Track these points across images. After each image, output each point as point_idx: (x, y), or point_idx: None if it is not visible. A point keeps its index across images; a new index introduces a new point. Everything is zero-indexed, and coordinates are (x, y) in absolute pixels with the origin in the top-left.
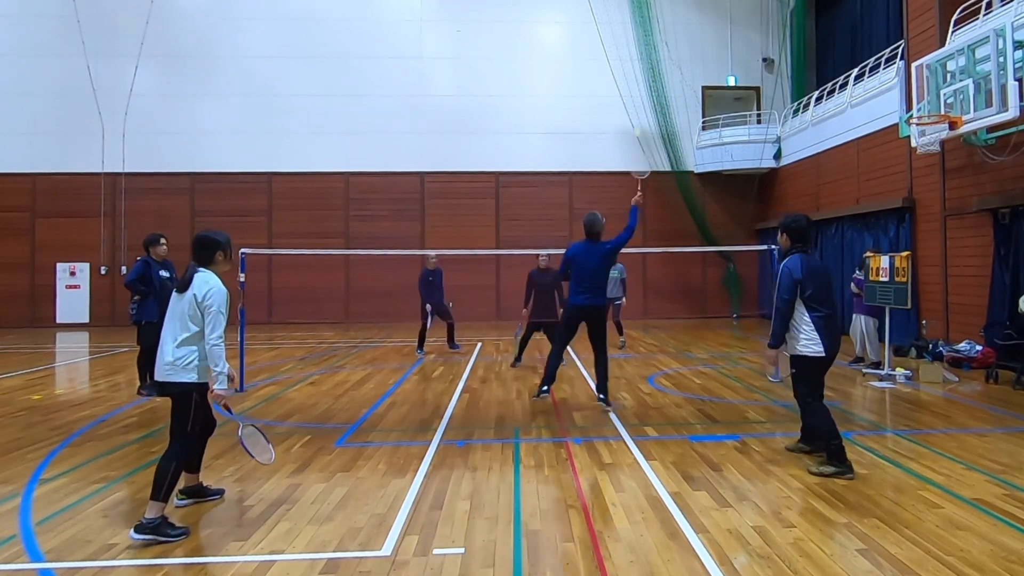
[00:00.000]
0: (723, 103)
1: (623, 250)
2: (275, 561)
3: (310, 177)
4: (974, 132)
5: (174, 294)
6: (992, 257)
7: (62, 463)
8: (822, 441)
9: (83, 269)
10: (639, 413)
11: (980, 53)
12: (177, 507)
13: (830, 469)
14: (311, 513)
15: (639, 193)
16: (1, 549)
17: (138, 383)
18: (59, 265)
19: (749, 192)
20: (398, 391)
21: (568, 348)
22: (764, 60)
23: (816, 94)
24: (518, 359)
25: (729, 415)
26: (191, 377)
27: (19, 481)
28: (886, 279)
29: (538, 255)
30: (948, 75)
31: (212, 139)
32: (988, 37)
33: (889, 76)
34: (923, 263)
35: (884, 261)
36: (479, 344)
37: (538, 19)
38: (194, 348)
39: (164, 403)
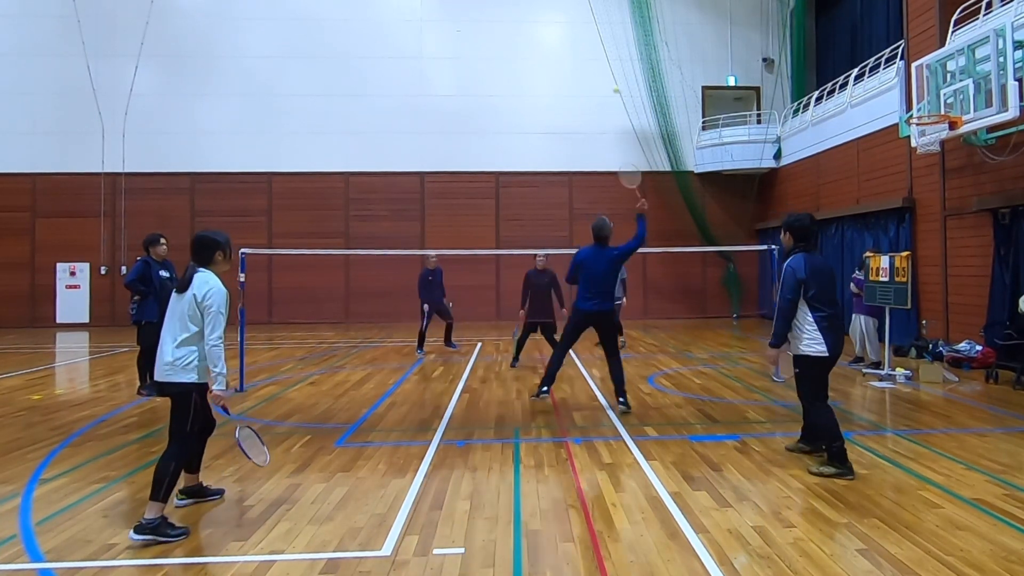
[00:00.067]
0: (723, 103)
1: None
2: (275, 561)
3: (310, 177)
4: (974, 132)
5: (174, 294)
6: (992, 257)
7: (62, 463)
8: (824, 441)
9: (83, 269)
10: (639, 413)
11: (980, 53)
12: (177, 507)
13: (830, 470)
14: (311, 513)
15: (641, 200)
16: (1, 549)
17: (138, 383)
18: (59, 265)
19: (749, 192)
20: (398, 391)
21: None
22: (764, 60)
23: (816, 94)
24: (516, 359)
25: (729, 415)
26: (191, 377)
27: (19, 481)
28: (886, 279)
29: (535, 255)
30: (948, 75)
31: (212, 139)
32: (988, 37)
33: (889, 76)
34: (923, 263)
35: (884, 261)
36: (479, 344)
37: (538, 19)
38: (194, 348)
39: (164, 403)
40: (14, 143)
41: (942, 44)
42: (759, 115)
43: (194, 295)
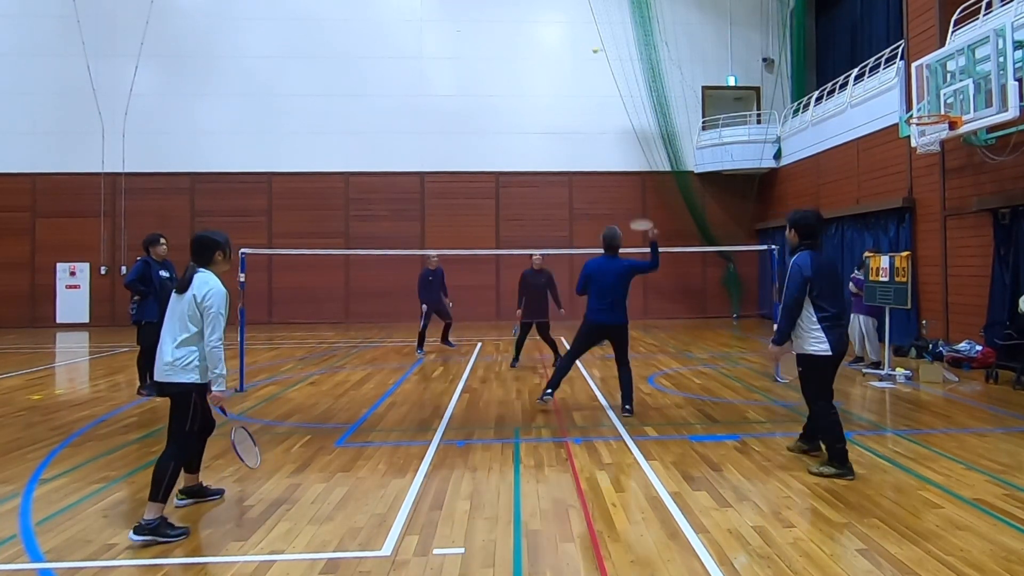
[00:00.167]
0: (723, 103)
1: (625, 249)
2: (275, 561)
3: (310, 177)
4: (974, 132)
5: (174, 295)
6: (992, 257)
7: (62, 463)
8: (826, 442)
9: (83, 269)
10: (639, 413)
11: (980, 53)
12: (177, 507)
13: (830, 470)
14: (311, 513)
15: (653, 230)
16: (1, 549)
17: (138, 383)
18: (59, 265)
19: (749, 192)
20: (398, 391)
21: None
22: (764, 60)
23: (816, 94)
24: (516, 359)
25: (729, 415)
26: (190, 377)
27: (19, 481)
28: (886, 279)
29: (531, 255)
30: (948, 75)
31: (212, 139)
32: (988, 37)
33: (889, 76)
34: (923, 263)
35: (884, 261)
36: (479, 344)
37: (538, 19)
38: (193, 348)
39: (164, 403)
40: (14, 143)
41: (942, 44)
42: (759, 115)
43: (194, 296)
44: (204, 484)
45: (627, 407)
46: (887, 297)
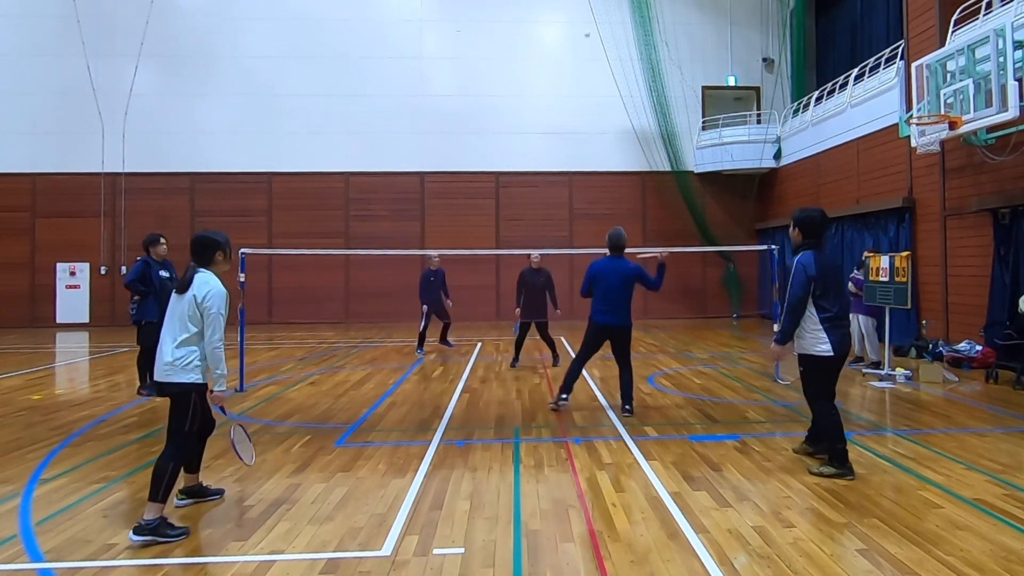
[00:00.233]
0: (723, 103)
1: (627, 250)
2: (275, 561)
3: (310, 177)
4: (974, 132)
5: (174, 295)
6: (992, 257)
7: (62, 463)
8: (827, 442)
9: (83, 269)
10: (639, 413)
11: (980, 53)
12: (177, 507)
13: (830, 471)
14: (311, 513)
15: (662, 255)
16: (1, 549)
17: (138, 383)
18: (59, 265)
19: (749, 192)
20: (398, 391)
21: (568, 348)
22: (764, 60)
23: (816, 94)
24: (516, 359)
25: (729, 415)
26: (190, 377)
27: (19, 481)
28: (886, 279)
29: (529, 255)
30: (948, 75)
31: (212, 139)
32: (988, 37)
33: (889, 76)
34: (923, 263)
35: (884, 261)
36: (479, 344)
37: (538, 19)
38: (193, 349)
39: (164, 403)
40: (14, 143)
41: (942, 44)
42: (759, 115)
43: (194, 296)
44: (204, 484)
45: (627, 407)
46: (887, 297)
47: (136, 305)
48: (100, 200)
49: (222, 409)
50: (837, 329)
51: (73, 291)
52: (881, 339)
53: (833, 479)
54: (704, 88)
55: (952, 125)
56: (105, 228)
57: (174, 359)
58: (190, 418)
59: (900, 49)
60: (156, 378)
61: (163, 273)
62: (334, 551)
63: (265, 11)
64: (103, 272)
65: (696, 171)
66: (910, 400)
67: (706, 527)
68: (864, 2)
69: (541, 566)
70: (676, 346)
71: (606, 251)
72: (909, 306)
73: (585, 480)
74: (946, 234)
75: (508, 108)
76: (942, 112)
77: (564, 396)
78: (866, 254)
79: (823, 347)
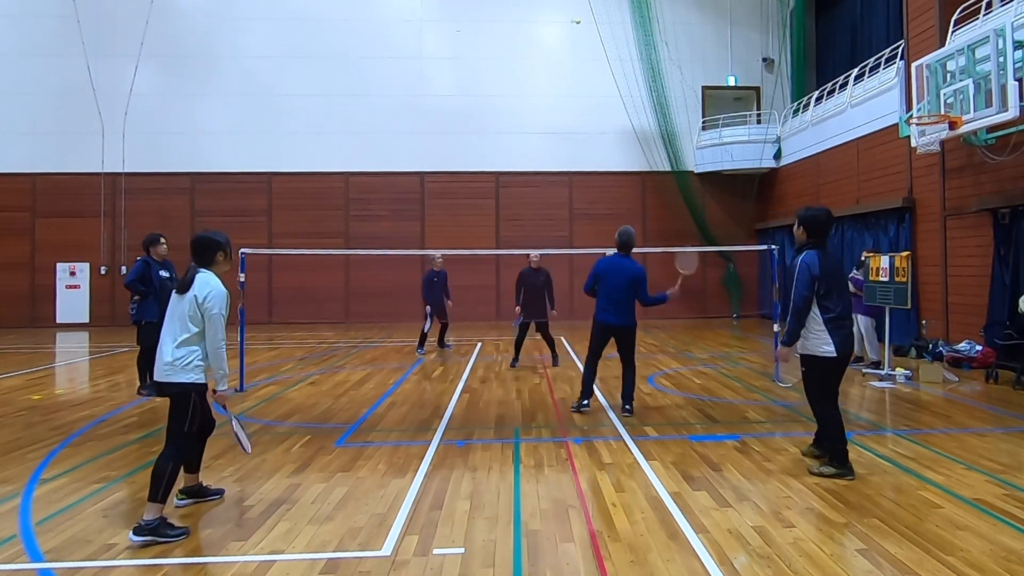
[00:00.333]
0: (723, 103)
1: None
2: (275, 561)
3: (310, 177)
4: (974, 132)
5: (174, 295)
6: (992, 257)
7: (62, 463)
8: (828, 442)
9: (83, 269)
10: (639, 413)
11: (980, 53)
12: (177, 507)
13: (830, 471)
14: (311, 513)
15: (678, 285)
16: (1, 549)
17: (138, 383)
18: (59, 265)
19: (749, 192)
20: (398, 391)
21: (568, 348)
22: (764, 60)
23: (816, 94)
24: (516, 359)
25: (729, 415)
26: (190, 377)
27: (19, 481)
28: (886, 279)
29: (529, 254)
30: (948, 75)
31: (212, 139)
32: (988, 37)
33: (889, 76)
34: (923, 263)
35: (884, 261)
36: (479, 344)
37: (538, 19)
38: (194, 349)
39: (164, 403)
40: (14, 143)
41: (942, 44)
42: (759, 115)
43: (195, 296)
44: (204, 484)
45: (627, 407)
46: (887, 297)
47: (136, 305)
48: (100, 200)
49: (223, 409)
50: (840, 329)
51: (73, 291)
52: (881, 339)
53: (833, 479)
54: (704, 88)
55: (952, 125)
56: (105, 228)
57: (174, 359)
58: (190, 418)
59: (900, 49)
60: (156, 378)
61: (163, 273)
62: (334, 551)
63: (265, 11)
64: (103, 272)
65: (696, 171)
66: (910, 400)
67: (706, 527)
68: (864, 2)
69: (541, 566)
70: (676, 346)
71: (605, 251)
72: (909, 306)
73: (585, 480)
74: (946, 234)
75: (508, 108)
76: (942, 112)
77: (586, 403)
78: (866, 254)
79: (826, 348)
